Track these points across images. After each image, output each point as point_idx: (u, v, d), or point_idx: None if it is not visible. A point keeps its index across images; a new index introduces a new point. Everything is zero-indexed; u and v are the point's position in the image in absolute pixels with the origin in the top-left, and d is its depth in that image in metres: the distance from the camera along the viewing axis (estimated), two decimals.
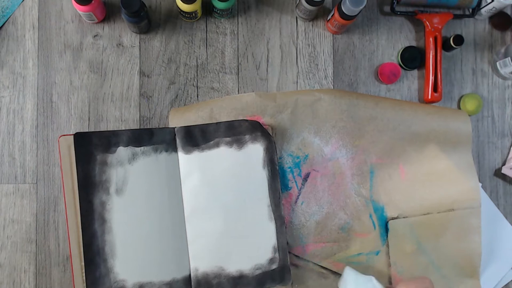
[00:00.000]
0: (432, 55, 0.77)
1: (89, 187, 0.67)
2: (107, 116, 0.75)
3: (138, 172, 0.69)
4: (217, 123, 0.71)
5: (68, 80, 0.75)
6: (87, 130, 0.74)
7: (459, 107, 0.79)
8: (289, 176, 0.73)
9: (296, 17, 0.78)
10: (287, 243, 0.71)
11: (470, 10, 0.80)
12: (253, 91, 0.76)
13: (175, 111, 0.74)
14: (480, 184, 0.76)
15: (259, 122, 0.71)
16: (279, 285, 0.71)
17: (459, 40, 0.76)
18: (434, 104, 0.78)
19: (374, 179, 0.74)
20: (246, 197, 0.70)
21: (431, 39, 0.77)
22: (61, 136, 0.69)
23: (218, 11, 0.74)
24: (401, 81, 0.79)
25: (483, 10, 0.78)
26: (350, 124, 0.73)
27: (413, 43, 0.79)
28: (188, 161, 0.70)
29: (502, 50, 0.78)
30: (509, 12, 0.81)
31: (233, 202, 0.70)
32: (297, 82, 0.77)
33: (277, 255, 0.70)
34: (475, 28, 0.81)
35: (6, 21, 0.75)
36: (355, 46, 0.79)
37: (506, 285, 0.77)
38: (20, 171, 0.73)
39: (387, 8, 0.79)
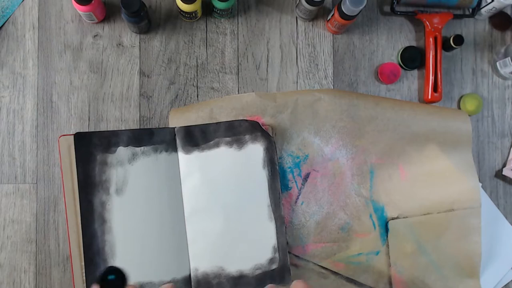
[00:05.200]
0: (432, 55, 0.77)
1: (89, 187, 0.67)
2: (107, 116, 0.75)
3: (138, 172, 0.69)
4: (217, 123, 0.71)
5: (68, 80, 0.75)
6: (87, 130, 0.74)
7: (459, 107, 0.79)
8: (289, 176, 0.73)
9: (296, 17, 0.78)
10: (287, 243, 0.71)
11: (470, 10, 0.80)
12: (253, 91, 0.76)
13: (175, 111, 0.74)
14: (480, 184, 0.76)
15: (258, 123, 0.71)
16: (279, 285, 0.71)
17: (459, 40, 0.76)
18: (434, 104, 0.78)
19: (374, 179, 0.74)
20: (246, 197, 0.70)
21: (431, 39, 0.77)
22: (61, 136, 0.69)
23: (218, 11, 0.74)
24: (401, 81, 0.79)
25: (483, 10, 0.78)
26: (350, 124, 0.73)
27: (413, 43, 0.79)
28: (188, 161, 0.70)
29: (502, 50, 0.78)
30: (509, 12, 0.81)
31: (233, 202, 0.70)
32: (297, 82, 0.77)
33: (277, 255, 0.70)
34: (475, 28, 0.81)
35: (6, 21, 0.75)
36: (355, 46, 0.79)
37: (506, 285, 0.77)
38: (20, 171, 0.73)
39: (387, 8, 0.79)
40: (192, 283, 0.69)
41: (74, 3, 0.70)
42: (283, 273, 0.70)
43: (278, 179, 0.71)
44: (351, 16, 0.71)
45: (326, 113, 0.73)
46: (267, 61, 0.77)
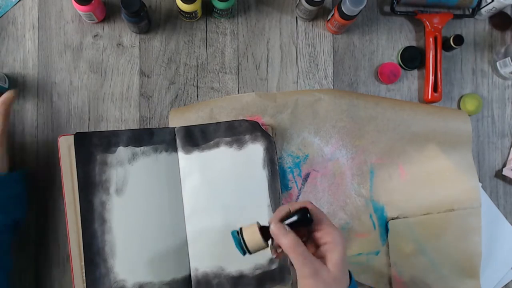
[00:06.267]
0: (432, 55, 0.77)
1: (89, 187, 0.67)
2: (107, 116, 0.75)
3: (138, 172, 0.69)
4: (217, 123, 0.71)
5: (68, 80, 0.75)
6: (87, 130, 0.74)
7: (459, 107, 0.79)
8: (289, 176, 0.73)
9: (296, 17, 0.78)
10: None
11: (470, 10, 0.80)
12: (253, 91, 0.76)
13: (175, 111, 0.74)
14: (480, 184, 0.76)
15: (258, 123, 0.71)
16: (279, 285, 0.71)
17: (459, 40, 0.76)
18: (434, 104, 0.78)
19: (374, 179, 0.74)
20: (246, 197, 0.70)
21: (431, 39, 0.77)
22: (61, 136, 0.69)
23: (218, 11, 0.74)
24: (401, 81, 0.79)
25: (483, 10, 0.78)
26: (350, 124, 0.73)
27: (413, 43, 0.79)
28: (188, 161, 0.70)
29: (502, 50, 0.78)
30: (509, 12, 0.81)
31: (233, 202, 0.70)
32: (297, 82, 0.77)
33: None
34: (475, 28, 0.81)
35: None
36: (355, 46, 0.79)
37: (506, 285, 0.77)
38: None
39: (387, 8, 0.79)
40: (192, 283, 0.69)
41: (74, 3, 0.70)
42: (283, 273, 0.70)
43: (278, 179, 0.71)
44: (351, 16, 0.71)
45: (326, 113, 0.73)
46: (267, 61, 0.77)
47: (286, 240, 0.51)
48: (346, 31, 0.78)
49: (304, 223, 0.53)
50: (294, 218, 0.53)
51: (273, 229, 0.52)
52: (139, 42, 0.76)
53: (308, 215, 0.52)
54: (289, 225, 0.53)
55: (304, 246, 0.51)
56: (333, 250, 0.51)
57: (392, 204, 0.73)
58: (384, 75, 0.77)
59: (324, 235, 0.52)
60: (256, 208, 0.70)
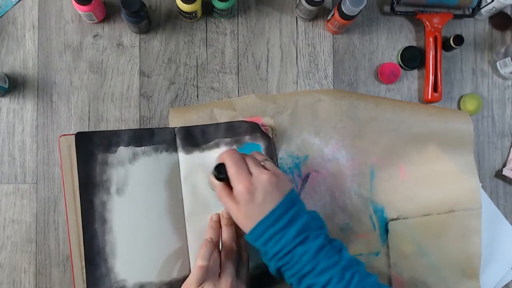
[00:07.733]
0: (432, 55, 0.77)
1: (90, 187, 0.67)
2: (107, 116, 0.75)
3: (139, 172, 0.69)
4: (217, 123, 0.71)
5: (68, 80, 0.75)
6: (87, 130, 0.74)
7: (459, 107, 0.79)
8: (289, 176, 0.73)
9: (296, 17, 0.78)
10: None
11: (470, 10, 0.80)
12: (253, 92, 0.76)
13: (175, 111, 0.74)
14: (480, 184, 0.76)
15: (258, 124, 0.71)
16: (278, 285, 0.71)
17: (459, 40, 0.76)
18: (434, 104, 0.78)
19: (374, 180, 0.73)
20: None
21: (431, 39, 0.77)
22: (61, 136, 0.69)
23: (218, 11, 0.74)
24: (401, 81, 0.79)
25: (483, 10, 0.78)
26: (350, 125, 0.73)
27: (413, 43, 0.79)
28: (188, 161, 0.70)
29: (502, 50, 0.78)
30: (509, 12, 0.81)
31: None
32: (297, 82, 0.77)
33: None
34: (475, 28, 0.81)
35: None
36: (355, 46, 0.79)
37: (506, 285, 0.77)
38: (20, 171, 0.73)
39: (387, 8, 0.79)
40: None
41: (74, 3, 0.70)
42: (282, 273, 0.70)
43: None
44: (351, 16, 0.71)
45: (326, 114, 0.73)
46: (267, 61, 0.77)
47: (216, 190, 0.62)
48: (346, 31, 0.78)
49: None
50: (215, 172, 0.61)
51: (210, 180, 0.62)
52: (139, 42, 0.76)
53: (219, 175, 0.60)
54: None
55: (226, 196, 0.59)
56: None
57: (392, 205, 0.73)
58: (384, 75, 0.77)
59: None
60: None
